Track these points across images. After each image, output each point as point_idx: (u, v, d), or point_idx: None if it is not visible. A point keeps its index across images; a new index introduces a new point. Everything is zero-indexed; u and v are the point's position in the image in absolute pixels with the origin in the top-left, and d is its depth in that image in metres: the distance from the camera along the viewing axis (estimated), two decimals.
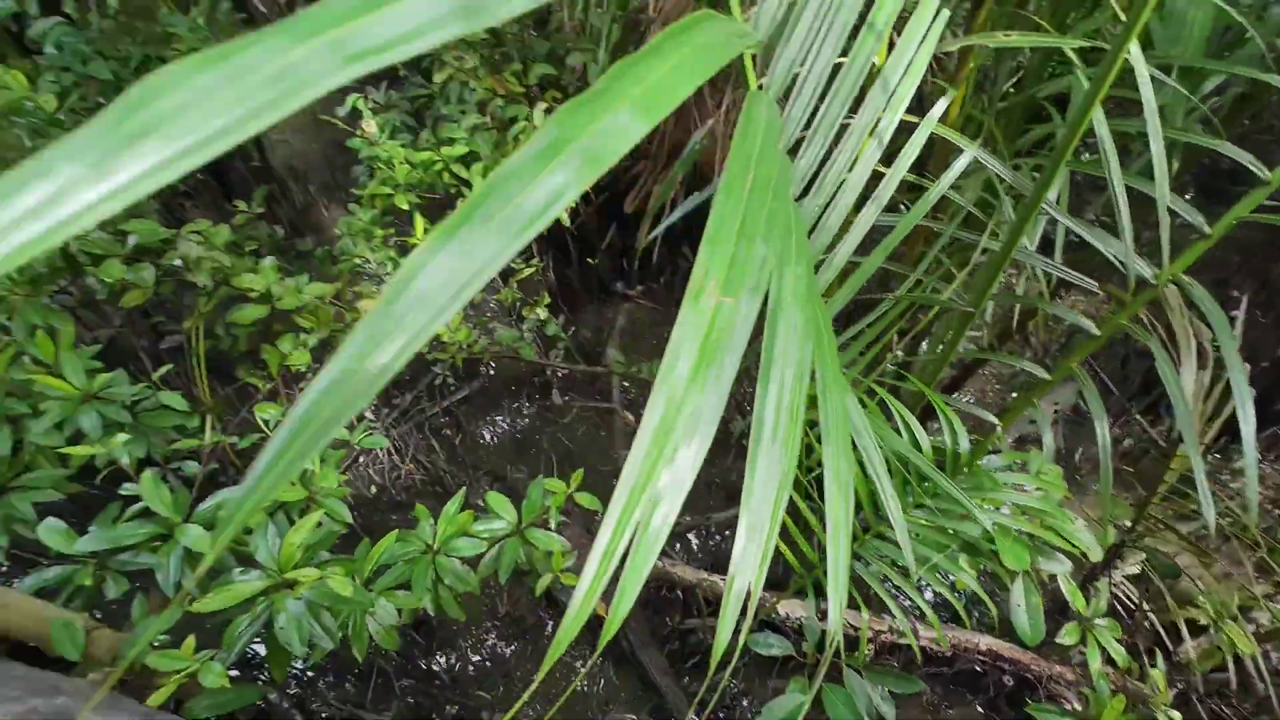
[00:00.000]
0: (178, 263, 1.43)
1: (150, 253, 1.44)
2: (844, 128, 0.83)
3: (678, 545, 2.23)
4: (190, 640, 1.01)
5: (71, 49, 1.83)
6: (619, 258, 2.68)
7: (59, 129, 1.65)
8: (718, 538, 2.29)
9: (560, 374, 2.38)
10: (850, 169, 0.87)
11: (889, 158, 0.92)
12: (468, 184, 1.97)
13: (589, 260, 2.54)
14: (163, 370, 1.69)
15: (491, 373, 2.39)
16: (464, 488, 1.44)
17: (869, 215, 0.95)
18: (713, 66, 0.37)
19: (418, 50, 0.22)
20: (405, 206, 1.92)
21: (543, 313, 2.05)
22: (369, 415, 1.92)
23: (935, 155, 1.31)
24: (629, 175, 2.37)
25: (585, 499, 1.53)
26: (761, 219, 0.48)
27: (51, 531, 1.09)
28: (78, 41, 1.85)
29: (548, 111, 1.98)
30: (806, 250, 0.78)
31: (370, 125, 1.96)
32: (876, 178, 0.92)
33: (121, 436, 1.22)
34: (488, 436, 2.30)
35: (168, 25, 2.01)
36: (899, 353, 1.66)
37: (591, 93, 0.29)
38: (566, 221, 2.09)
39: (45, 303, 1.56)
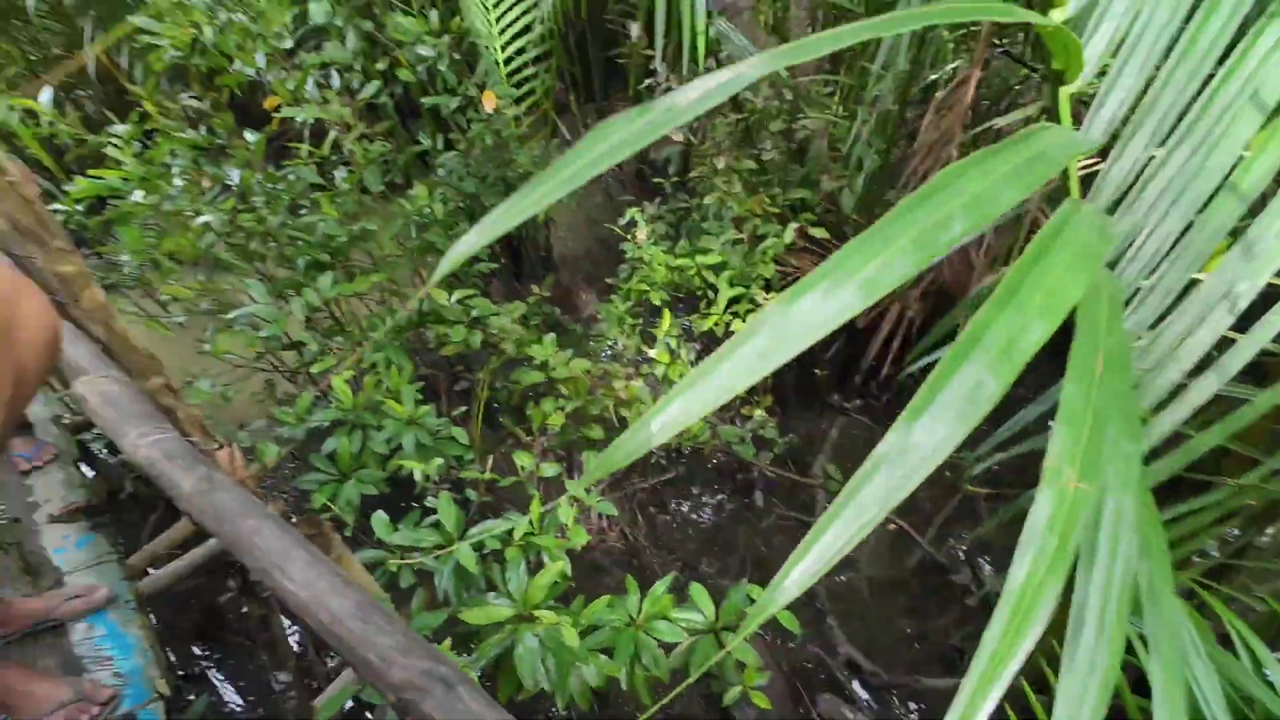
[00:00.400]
0: (494, 331, 1.83)
1: (479, 321, 1.88)
2: (1187, 285, 0.75)
3: (870, 702, 1.95)
4: (448, 641, 1.21)
5: (455, 172, 2.57)
6: (841, 369, 2.63)
7: (440, 226, 2.31)
8: (918, 706, 1.95)
9: (766, 476, 2.36)
10: (1190, 334, 0.77)
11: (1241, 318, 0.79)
12: (714, 288, 2.18)
13: (813, 369, 2.54)
14: (458, 411, 2.13)
15: (700, 461, 2.49)
16: (671, 574, 1.50)
17: (1209, 384, 0.82)
18: (1041, 178, 0.39)
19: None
20: (657, 302, 2.19)
21: (761, 415, 2.09)
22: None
23: None
24: None
25: (786, 619, 1.46)
26: (1111, 399, 0.47)
27: (379, 521, 1.42)
28: (459, 166, 2.59)
29: (798, 231, 2.12)
30: (1138, 427, 0.70)
31: (642, 233, 2.32)
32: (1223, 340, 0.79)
33: (437, 460, 1.55)
34: (686, 522, 2.36)
35: (514, 154, 2.70)
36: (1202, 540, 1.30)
37: (926, 190, 0.33)
38: None
39: (398, 345, 2.12)
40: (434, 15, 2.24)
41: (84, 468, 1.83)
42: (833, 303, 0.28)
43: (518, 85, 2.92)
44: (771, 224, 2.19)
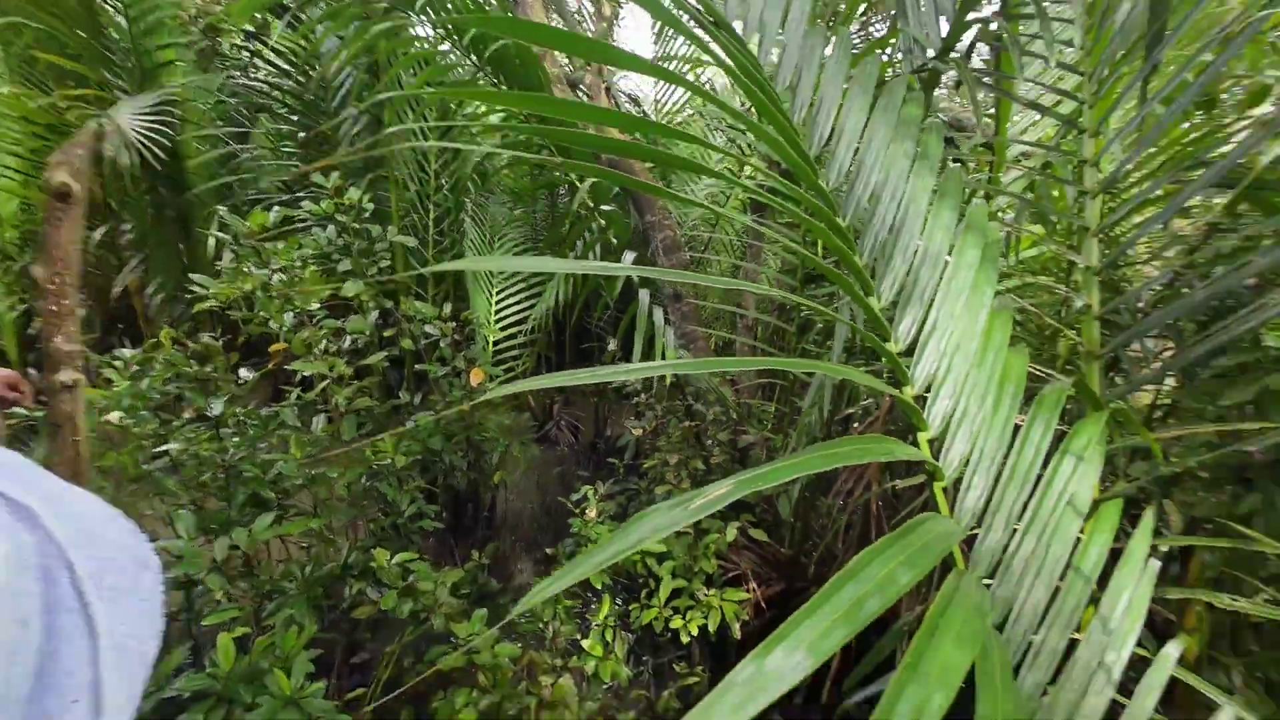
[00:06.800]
0: (426, 603, 1.72)
1: (412, 590, 1.78)
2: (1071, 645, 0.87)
3: None
4: None
5: (426, 427, 2.73)
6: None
7: (394, 477, 2.35)
8: None
9: None
10: (1080, 702, 0.87)
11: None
12: (656, 577, 2.18)
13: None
14: (353, 694, 1.83)
15: None
16: None
17: None
18: (929, 564, 0.52)
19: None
20: (598, 585, 2.15)
21: None
22: None
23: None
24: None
25: None
26: None
27: None
28: (430, 424, 2.77)
29: (740, 529, 2.27)
30: None
31: (592, 511, 2.41)
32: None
33: None
34: None
35: (484, 419, 2.92)
36: None
37: (843, 575, 0.44)
38: None
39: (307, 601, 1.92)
40: (447, 307, 2.70)
41: None
42: (790, 661, 0.38)
43: (500, 364, 3.34)
44: (715, 520, 2.33)
